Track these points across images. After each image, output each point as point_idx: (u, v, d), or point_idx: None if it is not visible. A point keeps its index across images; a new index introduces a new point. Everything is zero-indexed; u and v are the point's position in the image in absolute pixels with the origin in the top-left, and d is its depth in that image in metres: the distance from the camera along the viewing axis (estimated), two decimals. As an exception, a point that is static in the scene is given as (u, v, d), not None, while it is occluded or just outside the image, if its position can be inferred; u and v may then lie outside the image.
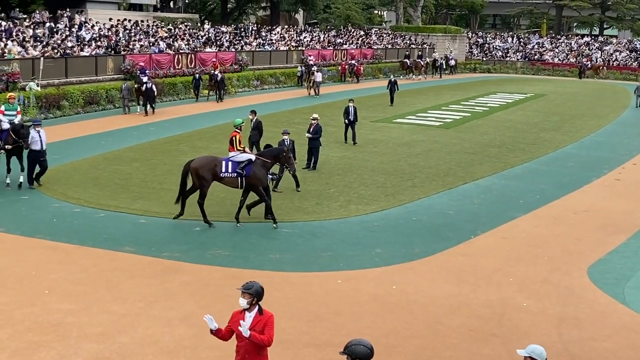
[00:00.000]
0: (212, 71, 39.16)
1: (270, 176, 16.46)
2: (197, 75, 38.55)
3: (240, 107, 33.88)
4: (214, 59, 42.54)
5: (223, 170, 15.54)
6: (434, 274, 13.35)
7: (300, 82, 46.91)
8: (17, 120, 19.32)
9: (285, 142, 18.56)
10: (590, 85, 57.96)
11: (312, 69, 44.21)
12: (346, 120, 25.92)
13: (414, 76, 57.28)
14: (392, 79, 39.57)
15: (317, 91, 42.27)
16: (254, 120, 21.71)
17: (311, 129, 21.44)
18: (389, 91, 38.82)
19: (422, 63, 59.13)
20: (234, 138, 15.94)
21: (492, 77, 64.46)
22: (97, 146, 24.32)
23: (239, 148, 15.82)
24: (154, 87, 32.29)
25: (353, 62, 53.76)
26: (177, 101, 37.06)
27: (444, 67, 62.07)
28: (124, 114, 31.69)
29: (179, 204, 15.97)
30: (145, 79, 32.02)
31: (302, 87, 45.88)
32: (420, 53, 63.43)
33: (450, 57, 64.63)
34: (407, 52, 62.99)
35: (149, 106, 31.84)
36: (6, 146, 18.18)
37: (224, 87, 38.18)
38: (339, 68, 52.89)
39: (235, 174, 15.56)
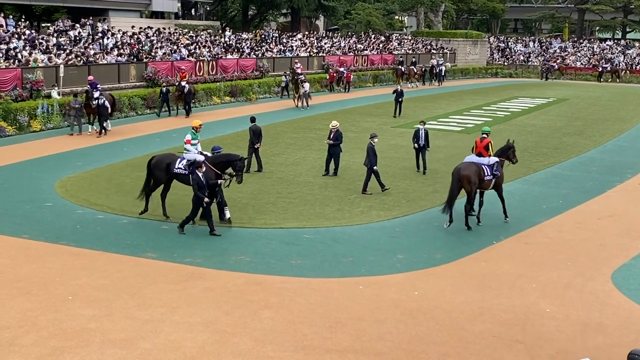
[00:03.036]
0: (179, 82, 34.41)
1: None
2: (164, 88, 33.93)
3: (222, 120, 33.94)
4: (183, 67, 38.51)
5: (486, 174, 16.78)
6: (456, 279, 13.29)
7: (287, 92, 42.90)
8: (200, 148, 16.94)
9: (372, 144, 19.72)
10: (613, 89, 57.46)
11: (299, 78, 39.44)
12: (416, 145, 22.60)
13: (408, 84, 52.08)
14: (399, 89, 36.46)
15: (306, 102, 38.38)
16: (251, 126, 22.12)
17: (331, 136, 21.48)
18: (394, 101, 36.02)
19: (416, 70, 54.71)
20: (489, 144, 17.15)
21: (514, 81, 64.07)
22: (120, 153, 24.52)
23: (491, 154, 17.18)
24: (106, 102, 28.25)
25: (341, 69, 49.52)
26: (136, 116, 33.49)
27: (442, 74, 57.09)
28: (71, 134, 27.89)
29: (447, 213, 16.54)
30: (96, 94, 28.17)
31: (286, 98, 42.27)
32: (414, 60, 57.64)
33: (441, 63, 58.90)
34: (401, 59, 58.66)
35: (104, 123, 28.24)
36: (219, 181, 15.98)
37: (192, 99, 34.43)
38: (327, 77, 48.62)
39: (492, 176, 16.90)
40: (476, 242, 15.50)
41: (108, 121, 28.76)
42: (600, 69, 66.61)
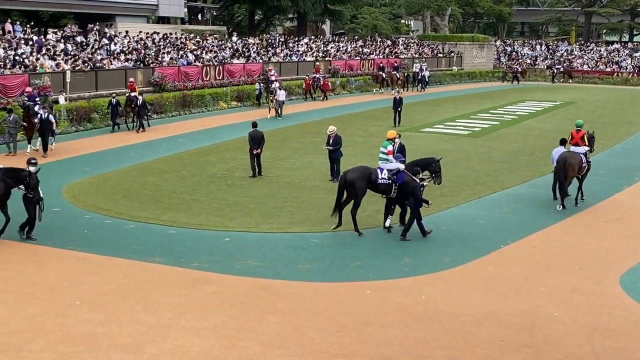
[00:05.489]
0: (129, 94, 31.26)
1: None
2: (114, 100, 30.66)
3: (228, 125, 33.82)
4: (132, 79, 33.57)
5: (582, 162, 19.03)
6: (463, 283, 13.26)
7: (258, 102, 40.43)
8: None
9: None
10: (621, 92, 57.33)
11: (273, 85, 36.75)
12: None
13: (390, 90, 47.72)
14: (398, 97, 34.18)
15: (279, 112, 35.61)
16: (251, 132, 22.14)
17: (330, 141, 21.40)
18: (394, 110, 34.11)
19: (399, 76, 51.92)
20: (584, 135, 19.33)
21: (521, 85, 63.97)
22: (127, 158, 24.57)
23: (586, 144, 19.38)
24: (51, 117, 25.02)
25: (317, 76, 46.52)
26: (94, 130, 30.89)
27: (426, 79, 54.48)
28: (8, 154, 24.47)
29: (562, 197, 18.81)
30: (37, 108, 24.96)
31: (255, 108, 39.86)
32: (396, 64, 55.38)
33: (424, 69, 55.82)
34: (382, 64, 54.94)
35: (50, 141, 25.12)
36: (423, 184, 16.50)
37: (146, 112, 31.23)
38: (304, 84, 45.62)
39: (586, 164, 19.22)
40: (483, 246, 15.46)
41: (53, 138, 25.57)
42: (554, 71, 68.54)
